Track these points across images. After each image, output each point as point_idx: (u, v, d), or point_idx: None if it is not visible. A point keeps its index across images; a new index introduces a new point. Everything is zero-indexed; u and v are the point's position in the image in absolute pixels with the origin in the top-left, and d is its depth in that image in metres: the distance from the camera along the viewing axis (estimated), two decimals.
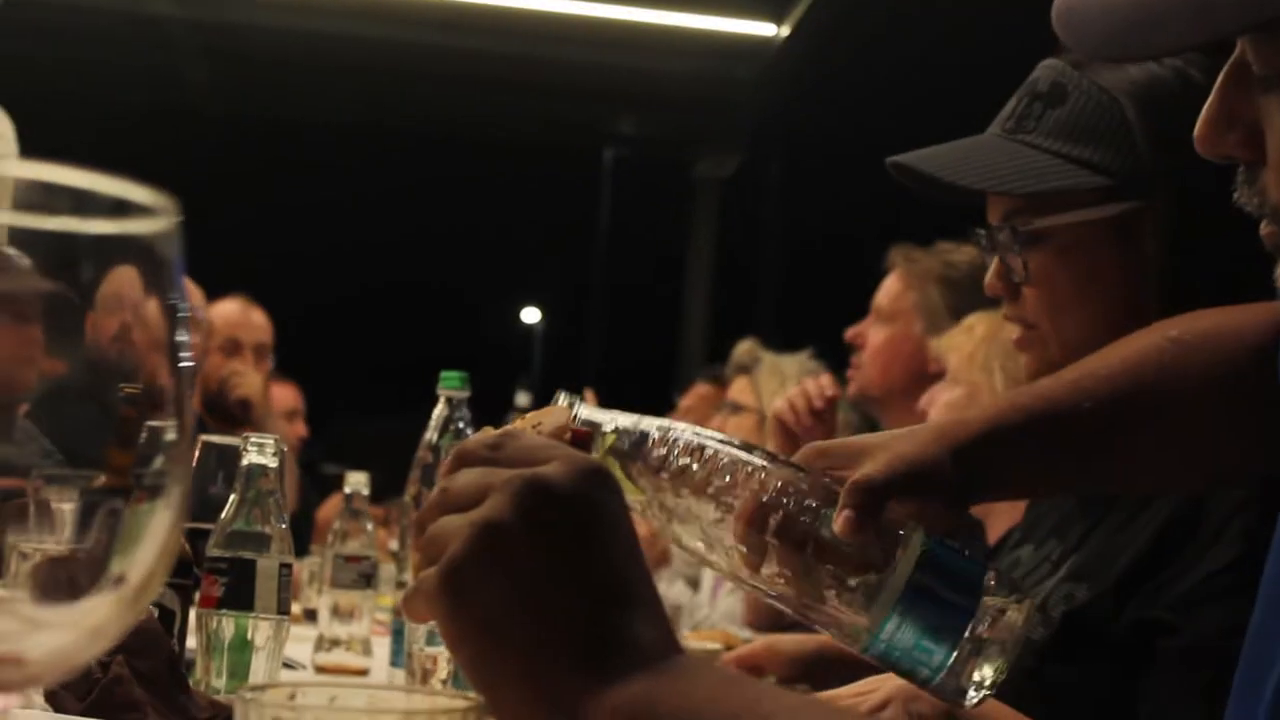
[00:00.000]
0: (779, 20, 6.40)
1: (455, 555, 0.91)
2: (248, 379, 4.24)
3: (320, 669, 2.15)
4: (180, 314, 0.65)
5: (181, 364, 0.64)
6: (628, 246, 13.78)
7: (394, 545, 2.67)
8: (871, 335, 3.19)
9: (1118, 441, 1.30)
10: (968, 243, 2.95)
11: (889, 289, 3.20)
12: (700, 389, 4.76)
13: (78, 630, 0.62)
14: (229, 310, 4.30)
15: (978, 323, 2.78)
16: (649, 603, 0.92)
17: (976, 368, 2.73)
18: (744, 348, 4.20)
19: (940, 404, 2.74)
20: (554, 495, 0.92)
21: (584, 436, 1.18)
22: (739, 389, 4.06)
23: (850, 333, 3.25)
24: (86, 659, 0.65)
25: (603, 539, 0.92)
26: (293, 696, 0.74)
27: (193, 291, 3.75)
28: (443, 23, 6.92)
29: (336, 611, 2.23)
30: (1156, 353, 1.33)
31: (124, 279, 0.66)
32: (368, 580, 2.26)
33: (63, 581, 0.67)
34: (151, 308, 0.67)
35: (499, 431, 1.04)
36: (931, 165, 1.51)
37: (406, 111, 8.15)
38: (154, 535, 0.65)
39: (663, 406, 6.49)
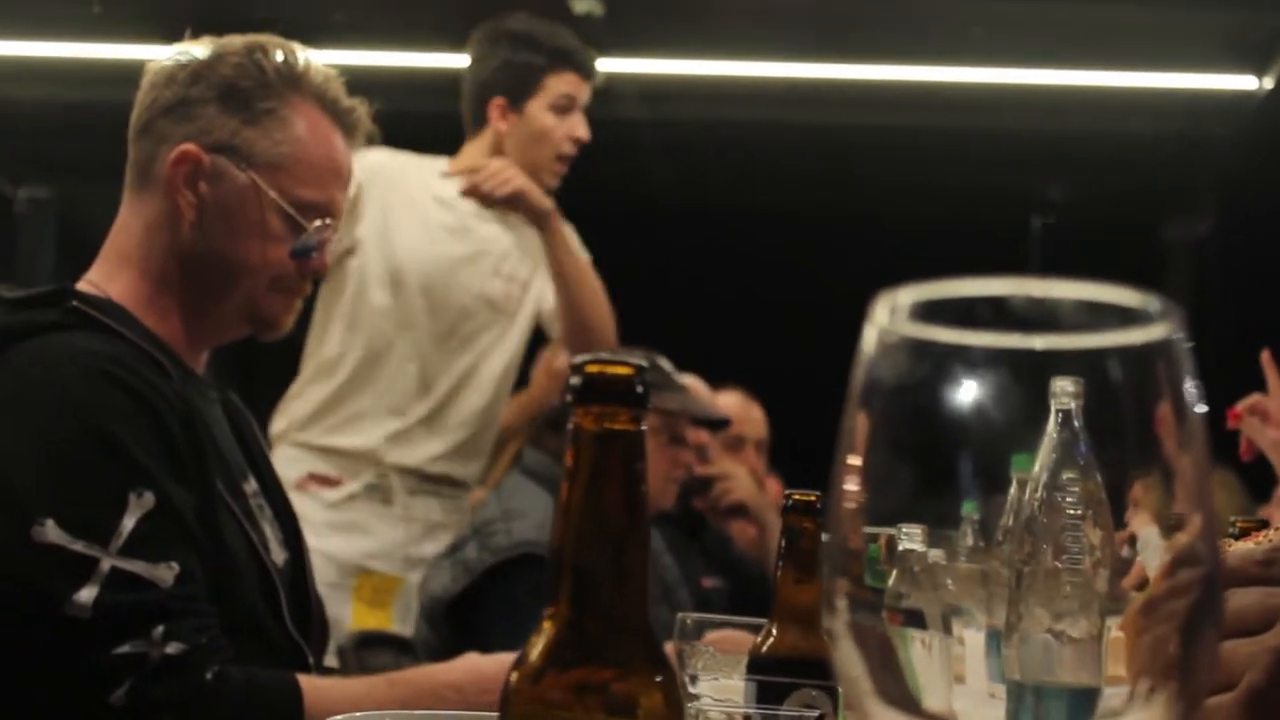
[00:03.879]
0: (1260, 72, 6.13)
1: (1257, 684, 0.85)
2: (739, 481, 4.26)
3: None
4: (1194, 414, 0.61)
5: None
6: None
7: None
8: None
9: None
10: None
11: None
12: None
13: None
14: (731, 404, 4.30)
15: None
16: None
17: None
18: None
19: None
20: None
21: None
22: None
23: None
24: None
25: None
26: None
27: (698, 385, 3.79)
28: (885, 104, 6.92)
29: None
30: None
31: None
32: None
33: None
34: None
35: (1265, 548, 0.98)
36: None
37: (844, 195, 8.18)
38: None
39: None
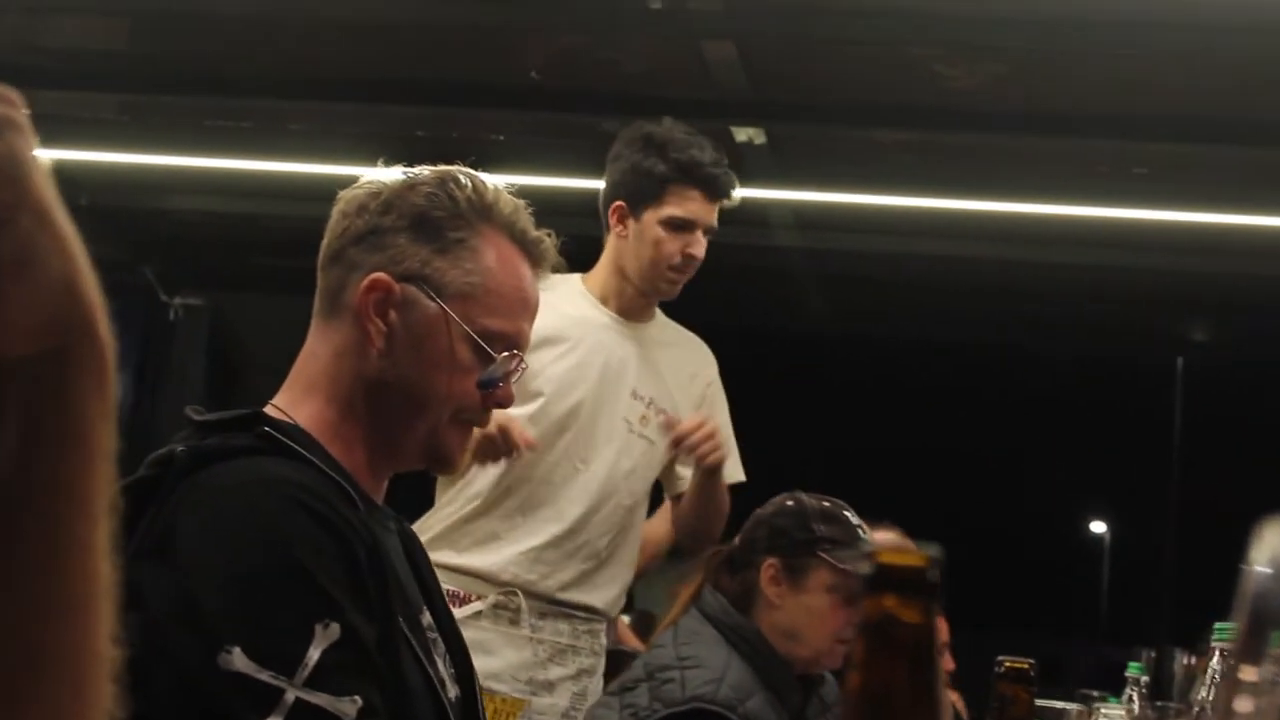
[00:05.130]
0: None
1: None
2: None
3: None
4: None
5: None
6: (1206, 456, 13.22)
7: None
8: None
9: None
10: None
11: None
12: None
13: None
14: (887, 543, 4.22)
15: None
16: None
17: None
18: None
19: None
20: None
21: None
22: None
23: None
24: None
25: None
26: None
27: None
28: (1037, 239, 6.87)
29: None
30: None
31: None
32: None
33: None
34: None
35: None
36: None
37: (993, 327, 8.12)
38: None
39: None
